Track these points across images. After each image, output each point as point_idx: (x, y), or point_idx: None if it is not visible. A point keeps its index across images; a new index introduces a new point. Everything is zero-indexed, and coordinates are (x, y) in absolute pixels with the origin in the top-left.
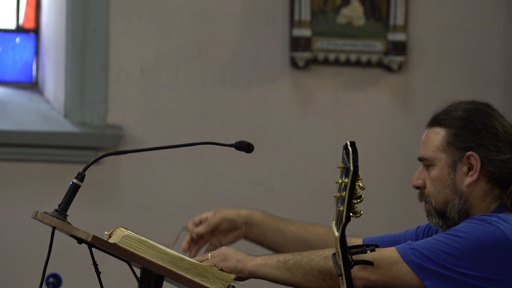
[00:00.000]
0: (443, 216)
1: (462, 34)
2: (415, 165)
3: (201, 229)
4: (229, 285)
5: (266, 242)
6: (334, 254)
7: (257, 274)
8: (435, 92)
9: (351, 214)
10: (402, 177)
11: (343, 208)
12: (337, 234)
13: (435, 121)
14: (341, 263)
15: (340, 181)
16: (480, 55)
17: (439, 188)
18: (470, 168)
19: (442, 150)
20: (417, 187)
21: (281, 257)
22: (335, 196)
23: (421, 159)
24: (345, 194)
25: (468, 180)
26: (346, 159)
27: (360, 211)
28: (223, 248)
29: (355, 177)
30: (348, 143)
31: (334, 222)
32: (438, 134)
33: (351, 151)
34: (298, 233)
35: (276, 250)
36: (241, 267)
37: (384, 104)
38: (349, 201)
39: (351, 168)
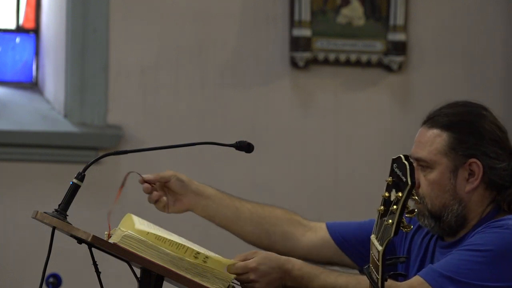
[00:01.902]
0: (438, 219)
1: (462, 34)
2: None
3: (149, 175)
4: (229, 285)
5: (218, 217)
6: (367, 267)
7: None
8: (435, 92)
9: (401, 227)
10: None
11: (391, 221)
12: (380, 248)
13: (433, 122)
14: (379, 277)
15: (387, 195)
16: (480, 55)
17: (438, 192)
18: (470, 174)
19: (444, 155)
20: None
21: None
22: (379, 209)
23: (417, 159)
24: (396, 208)
25: (468, 186)
26: (400, 173)
27: (411, 225)
28: (261, 266)
29: (411, 191)
30: (403, 157)
31: (374, 235)
32: (439, 137)
33: (407, 165)
34: (254, 211)
35: (227, 227)
36: None
37: (384, 104)
38: (400, 215)
39: (409, 182)
